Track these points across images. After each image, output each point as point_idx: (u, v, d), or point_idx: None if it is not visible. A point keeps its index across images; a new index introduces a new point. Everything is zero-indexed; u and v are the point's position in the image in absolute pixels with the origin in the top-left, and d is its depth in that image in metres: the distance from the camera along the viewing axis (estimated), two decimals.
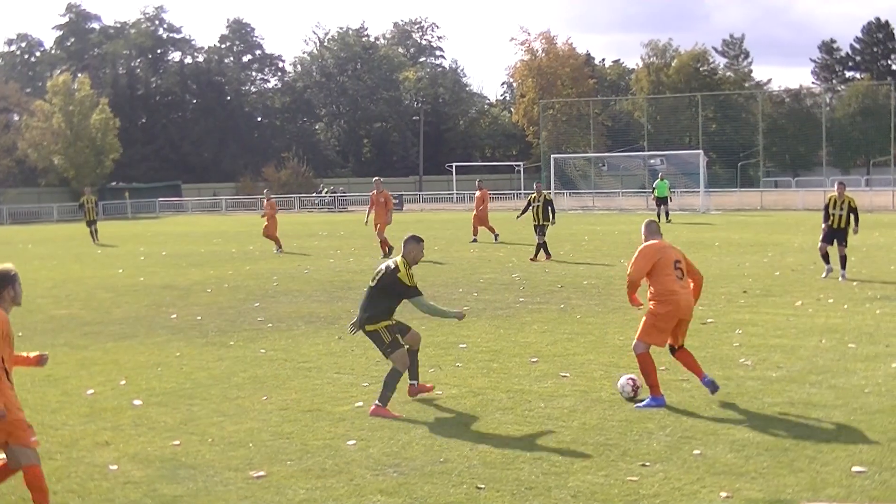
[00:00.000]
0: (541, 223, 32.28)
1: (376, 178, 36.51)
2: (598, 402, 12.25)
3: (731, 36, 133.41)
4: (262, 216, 40.28)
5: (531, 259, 31.23)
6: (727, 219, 54.65)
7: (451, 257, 32.94)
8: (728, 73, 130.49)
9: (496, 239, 40.00)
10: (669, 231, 44.95)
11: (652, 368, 12.28)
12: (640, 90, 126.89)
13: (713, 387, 12.25)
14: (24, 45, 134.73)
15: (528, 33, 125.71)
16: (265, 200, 41.30)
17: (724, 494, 8.81)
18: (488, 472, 9.55)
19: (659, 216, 54.29)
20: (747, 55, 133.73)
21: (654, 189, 57.52)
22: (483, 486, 9.17)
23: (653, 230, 12.68)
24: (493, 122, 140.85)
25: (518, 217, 35.75)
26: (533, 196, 33.21)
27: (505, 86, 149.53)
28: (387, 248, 33.57)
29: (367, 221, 35.65)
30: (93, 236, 48.67)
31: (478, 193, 42.94)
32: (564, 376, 13.72)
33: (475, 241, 40.11)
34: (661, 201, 55.70)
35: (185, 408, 12.55)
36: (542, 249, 31.70)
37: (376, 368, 14.57)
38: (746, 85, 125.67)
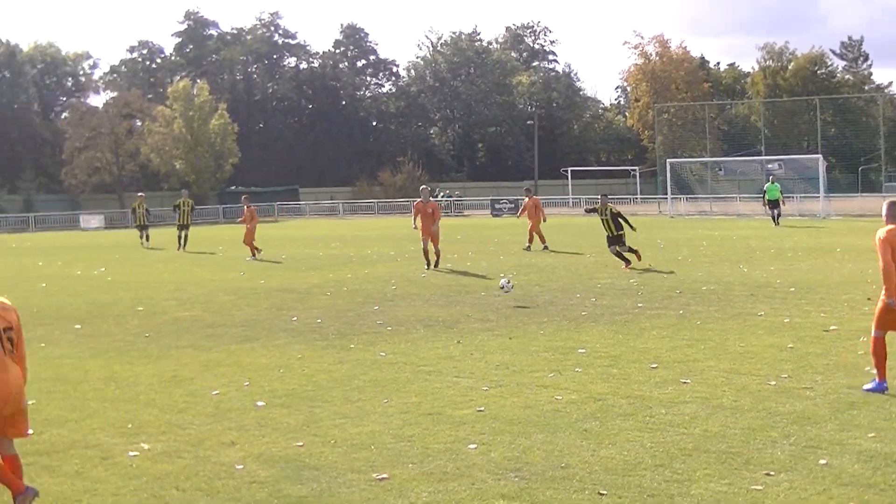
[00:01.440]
0: (615, 234, 31.77)
1: (424, 186, 36.05)
2: (719, 409, 12.13)
3: (850, 38, 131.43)
4: (240, 221, 42.34)
5: (624, 268, 30.80)
6: (848, 224, 53.81)
7: (568, 262, 32.86)
8: (847, 76, 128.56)
9: (545, 248, 39.27)
10: (781, 236, 44.45)
11: (881, 353, 12.91)
12: (756, 94, 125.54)
13: None
14: (145, 51, 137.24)
15: (642, 37, 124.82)
16: (245, 208, 42.15)
17: None
18: (610, 479, 9.51)
19: (773, 219, 53.74)
20: (867, 57, 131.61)
21: (764, 192, 56.74)
22: (605, 492, 9.13)
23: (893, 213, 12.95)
24: (607, 126, 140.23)
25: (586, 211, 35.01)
26: (598, 207, 32.59)
27: (619, 90, 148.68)
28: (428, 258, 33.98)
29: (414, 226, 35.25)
30: (143, 239, 50.30)
31: (526, 200, 42.18)
32: (685, 382, 13.61)
33: (528, 248, 39.70)
34: (773, 204, 54.90)
35: (307, 409, 12.69)
36: (620, 256, 31.08)
37: (496, 372, 14.61)
38: (866, 88, 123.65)
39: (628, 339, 17.38)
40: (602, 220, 31.93)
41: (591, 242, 41.38)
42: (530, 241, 40.39)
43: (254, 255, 39.03)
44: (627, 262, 30.77)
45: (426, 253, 32.37)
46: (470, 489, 9.33)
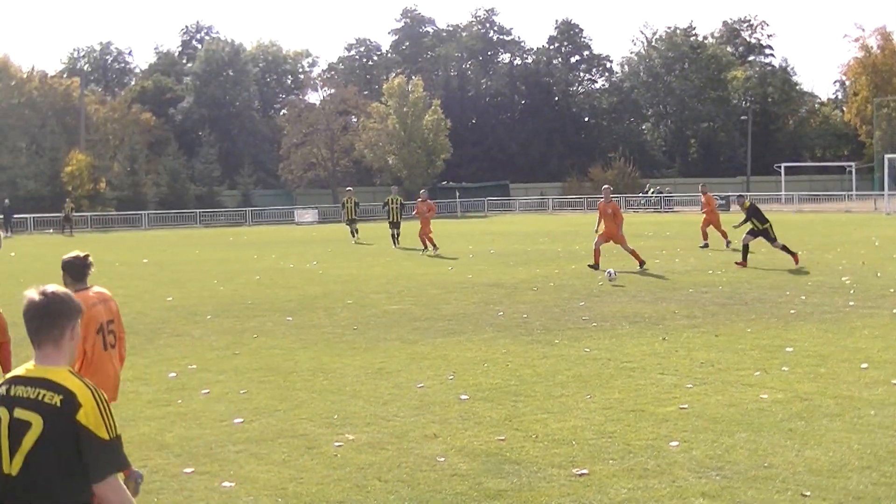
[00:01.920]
0: (761, 228, 31.07)
1: (606, 186, 35.14)
2: None
3: None
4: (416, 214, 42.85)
5: (738, 263, 30.34)
6: None
7: (778, 259, 32.21)
8: None
9: (727, 245, 38.13)
10: None
11: None
12: None
13: None
14: (362, 49, 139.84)
15: (863, 29, 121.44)
16: (419, 202, 42.72)
17: None
18: (814, 480, 9.35)
19: None
20: None
21: None
22: (809, 493, 8.99)
23: None
24: (823, 121, 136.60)
25: (736, 227, 33.68)
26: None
27: (837, 84, 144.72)
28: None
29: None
30: (353, 234, 50.57)
31: (702, 198, 41.22)
32: None
33: (706, 245, 38.83)
34: None
35: (510, 404, 12.79)
36: (787, 251, 30.52)
37: (700, 370, 14.48)
38: None
39: (838, 339, 17.01)
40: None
41: (803, 240, 40.53)
42: (704, 237, 39.89)
43: (426, 247, 40.02)
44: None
45: (596, 253, 30.85)
46: (670, 487, 9.30)
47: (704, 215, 40.53)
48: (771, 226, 31.17)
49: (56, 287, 5.09)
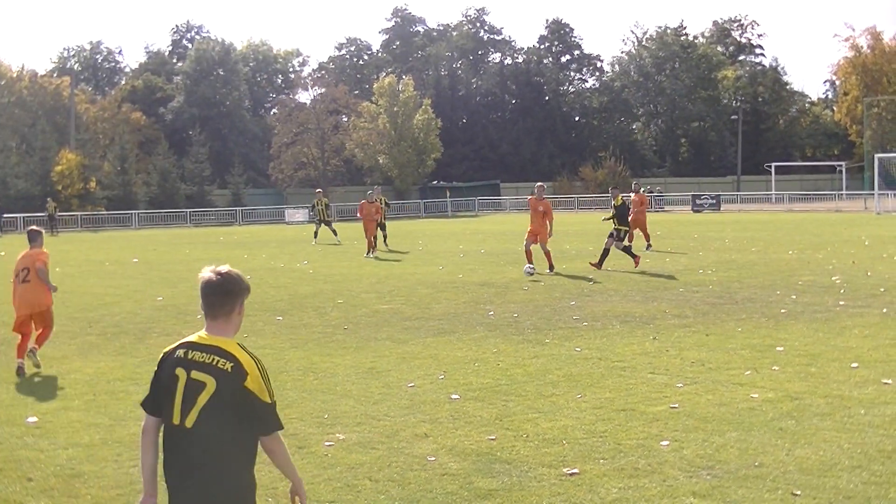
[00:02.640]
0: (617, 227, 31.24)
1: (540, 183, 34.62)
2: None
3: None
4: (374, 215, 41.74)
5: (594, 264, 30.59)
6: None
7: (769, 259, 32.27)
8: None
9: (648, 248, 37.97)
10: None
11: None
12: None
13: None
14: (353, 48, 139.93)
15: (853, 29, 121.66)
16: (365, 202, 41.73)
17: None
18: (804, 479, 9.36)
19: None
20: None
21: None
22: (799, 492, 9.00)
23: None
24: (814, 121, 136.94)
25: (605, 220, 33.51)
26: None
27: (827, 84, 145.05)
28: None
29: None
30: (325, 234, 50.11)
31: (634, 197, 40.49)
32: (887, 383, 13.27)
33: (649, 247, 38.38)
34: None
35: (500, 403, 12.79)
36: (628, 252, 30.75)
37: (691, 369, 14.49)
38: None
39: (828, 338, 17.03)
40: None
41: (793, 240, 40.63)
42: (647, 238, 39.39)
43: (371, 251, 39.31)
44: (635, 257, 30.81)
45: (528, 253, 30.45)
46: (661, 486, 9.31)
47: (632, 215, 39.06)
48: (628, 230, 31.53)
49: (229, 268, 5.95)
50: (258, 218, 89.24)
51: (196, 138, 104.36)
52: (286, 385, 14.22)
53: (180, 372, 5.68)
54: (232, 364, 5.63)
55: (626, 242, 31.18)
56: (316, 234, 50.39)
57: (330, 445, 10.97)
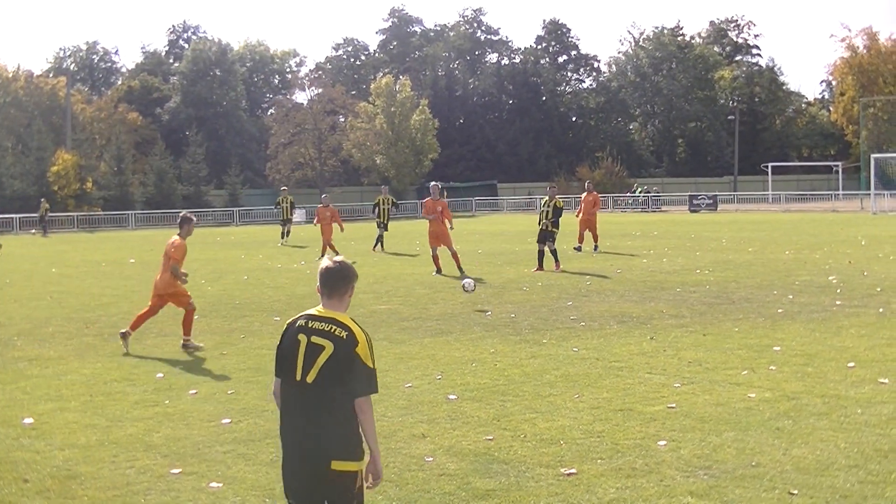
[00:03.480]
0: (550, 230, 31.37)
1: (434, 183, 34.22)
2: None
3: None
4: (316, 223, 41.66)
5: (535, 270, 30.52)
6: None
7: (766, 259, 32.29)
8: None
9: (596, 249, 37.93)
10: None
11: None
12: None
13: None
14: (350, 49, 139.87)
15: (849, 29, 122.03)
16: (320, 207, 41.61)
17: None
18: (801, 478, 9.37)
19: None
20: None
21: None
22: (796, 491, 9.01)
23: None
24: (810, 121, 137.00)
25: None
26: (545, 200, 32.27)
27: (823, 84, 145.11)
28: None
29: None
30: (283, 235, 49.98)
31: (585, 196, 39.98)
32: (883, 382, 13.29)
33: (596, 248, 38.28)
34: None
35: (498, 404, 12.78)
36: (554, 257, 30.79)
37: (688, 369, 14.50)
38: None
39: (825, 338, 17.05)
40: (542, 211, 32.04)
41: (790, 240, 40.65)
42: (580, 239, 39.10)
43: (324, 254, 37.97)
44: (558, 263, 30.85)
45: (435, 259, 31.09)
46: (658, 486, 9.32)
47: (581, 215, 39.40)
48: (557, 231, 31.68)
49: (344, 258, 7.14)
50: (255, 218, 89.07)
51: (193, 139, 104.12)
52: None
53: (302, 338, 6.75)
54: (346, 333, 6.67)
55: (553, 247, 31.36)
56: (284, 234, 50.35)
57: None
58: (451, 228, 31.02)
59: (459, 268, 29.75)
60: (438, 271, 30.51)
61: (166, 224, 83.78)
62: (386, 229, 43.81)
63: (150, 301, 18.70)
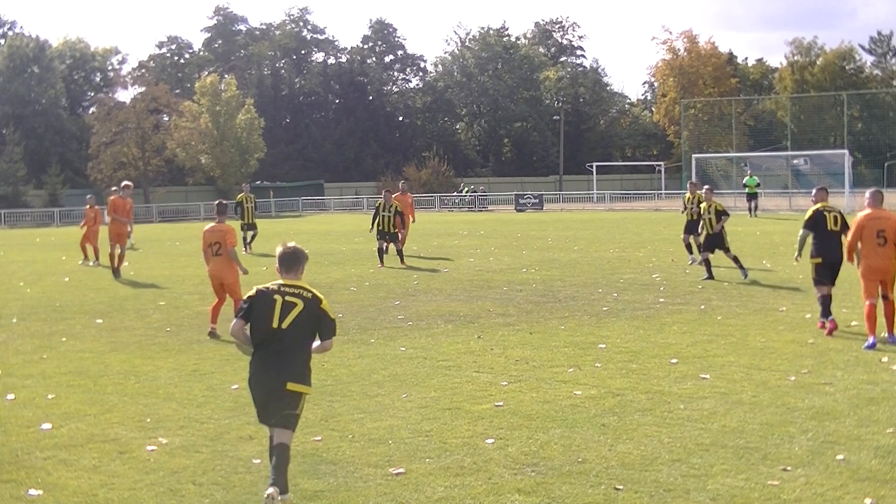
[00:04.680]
0: (390, 231, 32.58)
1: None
2: (738, 404, 12.11)
3: (879, 33, 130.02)
4: (82, 225, 38.89)
5: (379, 266, 31.33)
6: None
7: (591, 258, 32.80)
8: (875, 72, 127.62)
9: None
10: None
11: (869, 317, 15.97)
12: (783, 89, 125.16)
13: None
14: (174, 47, 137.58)
15: (670, 32, 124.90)
16: (87, 208, 38.92)
17: (868, 501, 8.64)
18: (626, 474, 9.51)
19: (750, 211, 58.98)
20: None
21: (744, 185, 61.75)
22: (621, 487, 9.14)
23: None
24: (633, 121, 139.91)
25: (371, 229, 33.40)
26: (380, 204, 33.11)
27: (646, 85, 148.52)
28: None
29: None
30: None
31: (398, 195, 38.99)
32: (704, 378, 13.59)
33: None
34: (750, 197, 60.31)
35: (326, 404, 12.70)
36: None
37: (515, 368, 14.61)
38: (894, 83, 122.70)
39: (649, 335, 17.37)
40: (382, 216, 32.91)
41: (614, 238, 41.34)
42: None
43: (86, 259, 36.94)
44: (402, 259, 32.27)
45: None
46: (486, 484, 9.35)
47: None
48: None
49: (295, 243, 9.44)
50: (76, 219, 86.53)
51: (10, 137, 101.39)
52: (106, 389, 13.92)
53: (277, 298, 9.01)
54: (311, 294, 9.10)
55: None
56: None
57: (152, 450, 10.74)
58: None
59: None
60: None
61: None
62: (254, 228, 41.65)
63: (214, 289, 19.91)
